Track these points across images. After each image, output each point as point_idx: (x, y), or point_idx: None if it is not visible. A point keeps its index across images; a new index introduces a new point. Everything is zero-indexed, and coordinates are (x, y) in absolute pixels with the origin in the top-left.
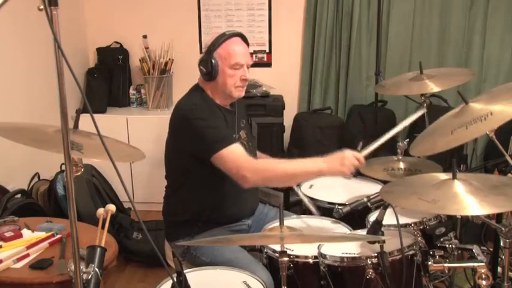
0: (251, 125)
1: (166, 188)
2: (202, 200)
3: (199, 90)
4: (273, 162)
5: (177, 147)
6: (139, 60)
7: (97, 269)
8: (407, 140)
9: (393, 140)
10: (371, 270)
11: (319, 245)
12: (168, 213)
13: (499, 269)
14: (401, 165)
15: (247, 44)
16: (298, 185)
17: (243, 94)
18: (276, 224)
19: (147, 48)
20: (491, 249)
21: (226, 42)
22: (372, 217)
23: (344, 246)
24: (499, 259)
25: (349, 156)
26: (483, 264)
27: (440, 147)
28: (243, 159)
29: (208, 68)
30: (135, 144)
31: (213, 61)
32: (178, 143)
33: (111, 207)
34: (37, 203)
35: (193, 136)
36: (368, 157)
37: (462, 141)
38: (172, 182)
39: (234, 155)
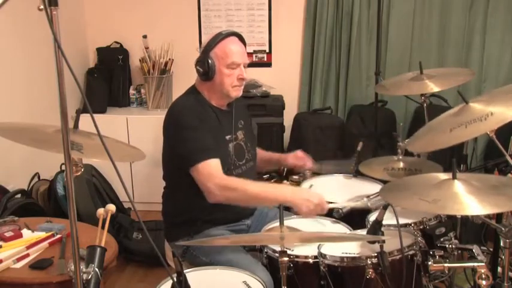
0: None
1: (165, 188)
2: (200, 200)
3: (195, 92)
4: (244, 183)
5: (169, 148)
6: (139, 60)
7: (97, 269)
8: (408, 140)
9: (394, 140)
10: (371, 270)
11: (319, 245)
12: (167, 214)
13: (499, 269)
14: (402, 165)
15: (244, 43)
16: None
17: (240, 93)
18: (276, 224)
19: (147, 48)
20: (491, 249)
21: (223, 41)
22: (372, 217)
23: (344, 246)
24: (499, 259)
25: (315, 202)
26: (483, 264)
27: (438, 144)
28: (214, 176)
29: (205, 68)
30: (135, 144)
31: (209, 61)
32: (169, 145)
33: (111, 207)
34: (37, 203)
35: (178, 144)
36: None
37: (460, 140)
38: (170, 183)
39: (207, 170)
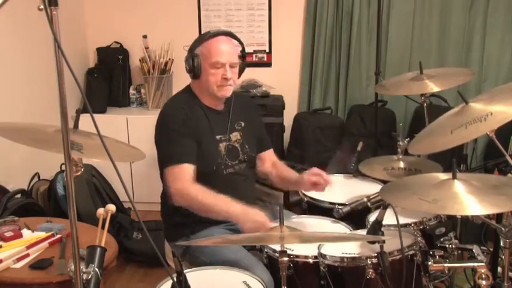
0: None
1: (162, 188)
2: None
3: (188, 91)
4: (203, 194)
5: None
6: (139, 60)
7: (97, 269)
8: (408, 139)
9: (393, 140)
10: (371, 270)
11: (319, 245)
12: (165, 213)
13: (499, 269)
14: (402, 164)
15: (240, 43)
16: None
17: (228, 93)
18: (276, 224)
19: (147, 48)
20: (491, 249)
21: (209, 40)
22: (372, 217)
23: (344, 246)
24: (499, 259)
25: (260, 222)
26: (483, 264)
27: (440, 146)
28: (178, 180)
29: (190, 65)
30: (135, 144)
31: (195, 59)
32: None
33: (111, 207)
34: (37, 203)
35: (158, 144)
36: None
37: (462, 141)
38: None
39: (175, 175)
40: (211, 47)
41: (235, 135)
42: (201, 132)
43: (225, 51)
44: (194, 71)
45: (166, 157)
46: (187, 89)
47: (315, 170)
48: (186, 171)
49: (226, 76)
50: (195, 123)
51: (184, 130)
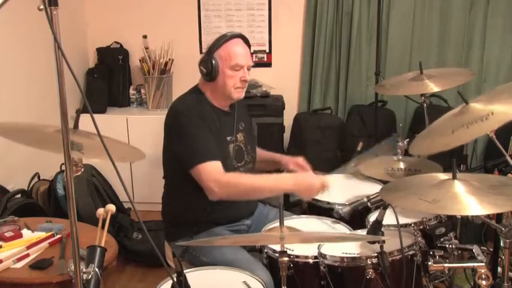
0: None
1: (165, 188)
2: (200, 200)
3: (197, 92)
4: (245, 178)
5: (170, 147)
6: (139, 60)
7: (97, 269)
8: (407, 140)
9: (394, 141)
10: (371, 270)
11: (319, 245)
12: (167, 214)
13: (499, 269)
14: (401, 165)
15: (249, 46)
16: None
17: (242, 95)
18: (276, 224)
19: (147, 48)
20: (491, 249)
21: (227, 43)
22: (372, 217)
23: (344, 246)
24: (499, 259)
25: (317, 184)
26: (483, 264)
27: (441, 146)
28: (214, 173)
29: (209, 68)
30: (135, 144)
31: (213, 62)
32: (170, 144)
33: (111, 207)
34: (37, 203)
35: (179, 143)
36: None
37: (463, 142)
38: (170, 182)
39: (208, 170)
40: (229, 50)
41: (240, 136)
42: (216, 133)
43: (243, 53)
44: (212, 73)
45: (193, 155)
46: (196, 89)
47: (301, 161)
48: (218, 166)
49: (245, 78)
50: (210, 123)
51: (203, 125)
